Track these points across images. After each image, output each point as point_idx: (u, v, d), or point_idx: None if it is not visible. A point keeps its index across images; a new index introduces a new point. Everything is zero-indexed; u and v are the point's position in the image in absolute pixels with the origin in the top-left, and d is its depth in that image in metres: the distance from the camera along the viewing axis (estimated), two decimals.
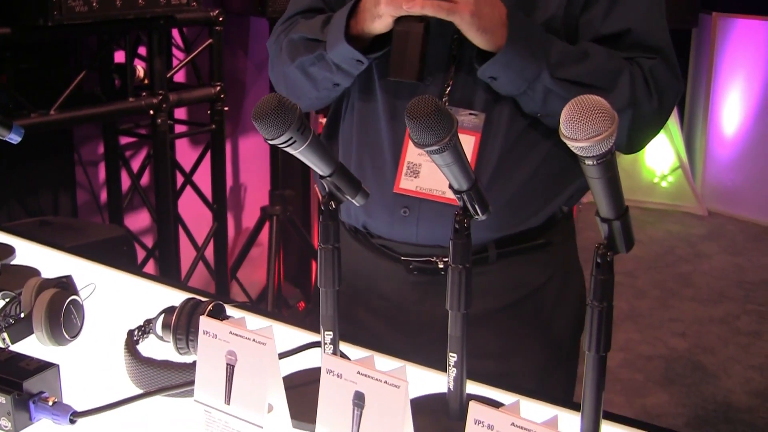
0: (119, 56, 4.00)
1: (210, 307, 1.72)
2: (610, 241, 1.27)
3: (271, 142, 1.40)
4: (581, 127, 1.13)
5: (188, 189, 4.47)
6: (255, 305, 4.92)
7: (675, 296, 5.73)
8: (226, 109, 4.22)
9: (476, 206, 1.43)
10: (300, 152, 1.42)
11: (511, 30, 1.73)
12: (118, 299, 2.06)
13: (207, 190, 4.40)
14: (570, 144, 1.15)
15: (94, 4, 3.32)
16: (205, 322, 1.45)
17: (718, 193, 7.46)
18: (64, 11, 3.22)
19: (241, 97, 4.91)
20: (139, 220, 4.55)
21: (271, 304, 4.59)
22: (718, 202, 7.41)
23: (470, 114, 1.86)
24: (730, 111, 7.34)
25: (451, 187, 1.44)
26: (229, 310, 1.82)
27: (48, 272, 2.12)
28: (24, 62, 3.63)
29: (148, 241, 4.54)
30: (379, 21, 1.76)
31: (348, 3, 1.84)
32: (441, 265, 1.94)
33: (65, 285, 1.84)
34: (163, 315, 1.75)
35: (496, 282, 1.97)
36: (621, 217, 1.25)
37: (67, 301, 1.78)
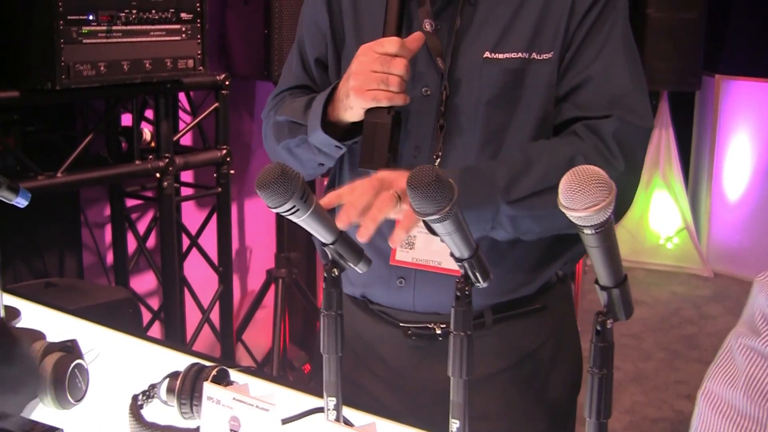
0: (126, 119, 4.02)
1: (214, 372, 1.72)
2: (609, 309, 1.28)
3: (274, 210, 1.41)
4: (579, 198, 1.14)
5: (194, 251, 4.46)
6: (260, 368, 4.92)
7: (681, 358, 5.70)
8: (232, 172, 4.23)
9: (477, 274, 1.43)
10: (303, 220, 1.43)
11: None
12: (122, 363, 2.06)
13: (212, 253, 4.39)
14: (568, 213, 1.16)
15: (102, 68, 3.34)
16: (208, 388, 1.45)
17: (723, 254, 7.43)
18: (72, 75, 3.25)
19: (246, 160, 4.93)
20: (144, 282, 4.54)
21: (276, 367, 4.57)
22: (724, 264, 7.38)
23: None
24: (735, 173, 7.35)
25: (452, 255, 1.44)
26: (234, 375, 1.82)
27: (53, 335, 2.06)
28: (31, 125, 3.64)
29: (154, 303, 4.52)
30: (350, 112, 1.80)
31: (326, 90, 1.87)
32: (438, 331, 1.95)
33: (70, 349, 1.84)
34: (167, 379, 1.75)
35: (492, 346, 1.97)
36: (620, 285, 1.26)
37: (72, 365, 1.77)
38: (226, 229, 4.34)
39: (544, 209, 1.78)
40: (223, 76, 4.08)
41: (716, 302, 6.78)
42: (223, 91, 4.10)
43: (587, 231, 1.18)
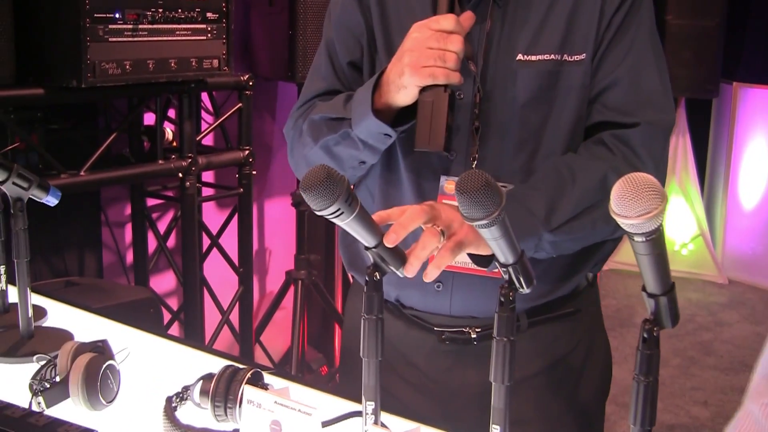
0: (149, 118, 4.02)
1: (248, 374, 1.71)
2: (656, 317, 1.28)
3: (318, 213, 1.41)
4: (632, 205, 1.14)
5: (214, 252, 4.44)
6: (280, 369, 4.88)
7: (696, 365, 5.68)
8: (254, 173, 4.21)
9: (521, 279, 1.43)
10: (347, 223, 1.44)
11: None
12: (152, 363, 2.06)
13: (233, 253, 4.38)
14: (620, 221, 1.16)
15: (128, 66, 3.33)
16: (249, 392, 1.45)
17: (738, 261, 7.42)
18: (98, 73, 3.24)
19: (268, 161, 4.92)
20: (164, 282, 4.54)
21: (294, 369, 4.55)
22: (739, 271, 7.38)
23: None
24: (751, 180, 7.35)
25: (496, 260, 1.44)
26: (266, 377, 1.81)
27: (80, 335, 2.12)
28: (54, 123, 3.63)
29: (173, 303, 4.52)
30: (404, 92, 1.75)
31: (371, 78, 1.84)
32: (473, 335, 1.95)
33: (101, 349, 1.84)
34: (201, 381, 1.74)
35: (527, 350, 1.95)
36: (668, 293, 1.26)
37: (104, 366, 1.77)
38: (247, 229, 4.32)
39: (583, 231, 1.80)
40: (247, 76, 4.05)
41: (731, 309, 6.76)
42: (247, 92, 4.08)
43: (638, 239, 1.17)
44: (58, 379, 1.80)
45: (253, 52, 4.52)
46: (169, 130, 4.07)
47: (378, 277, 1.54)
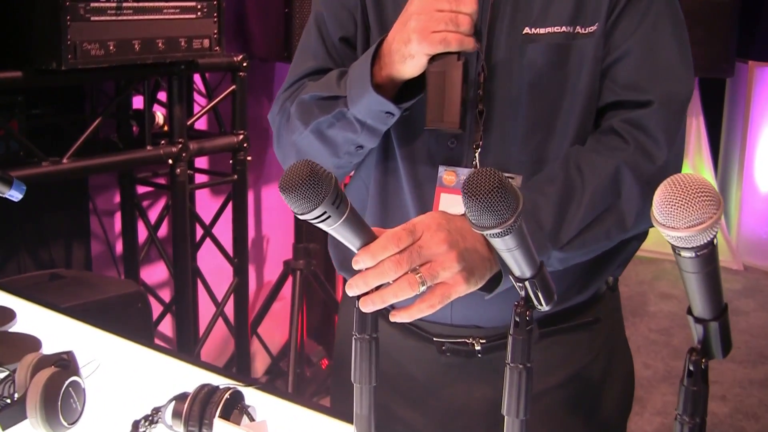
0: (137, 102, 3.86)
1: (227, 395, 1.55)
2: (704, 346, 1.08)
3: (301, 217, 1.22)
4: (681, 214, 0.93)
5: (208, 242, 4.30)
6: (275, 363, 4.81)
7: None
8: (249, 158, 4.06)
9: (540, 295, 1.26)
10: (334, 229, 1.26)
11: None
12: (124, 376, 1.89)
13: (227, 243, 4.24)
14: (665, 233, 0.95)
15: (111, 47, 3.17)
16: (220, 427, 1.26)
17: (753, 247, 7.31)
18: (79, 55, 3.07)
19: (264, 146, 4.77)
20: (155, 274, 4.39)
21: (293, 362, 4.41)
22: (754, 257, 7.26)
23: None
24: (767, 162, 7.22)
25: (510, 274, 1.26)
26: (249, 394, 1.62)
27: (48, 342, 1.98)
28: (36, 108, 3.49)
29: (165, 296, 4.38)
30: (410, 62, 1.55)
31: (368, 50, 1.64)
32: (478, 347, 1.77)
33: (65, 363, 1.66)
34: (173, 402, 1.57)
35: (539, 363, 1.75)
36: (720, 317, 1.05)
37: (67, 382, 1.60)
38: (242, 218, 4.17)
39: (596, 243, 1.63)
40: (241, 57, 3.90)
41: (747, 297, 6.64)
42: (241, 73, 3.93)
43: (686, 254, 0.97)
44: (16, 396, 1.63)
45: (248, 31, 4.34)
46: (159, 114, 3.92)
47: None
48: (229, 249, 4.24)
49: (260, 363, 4.83)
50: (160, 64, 3.46)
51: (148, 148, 3.63)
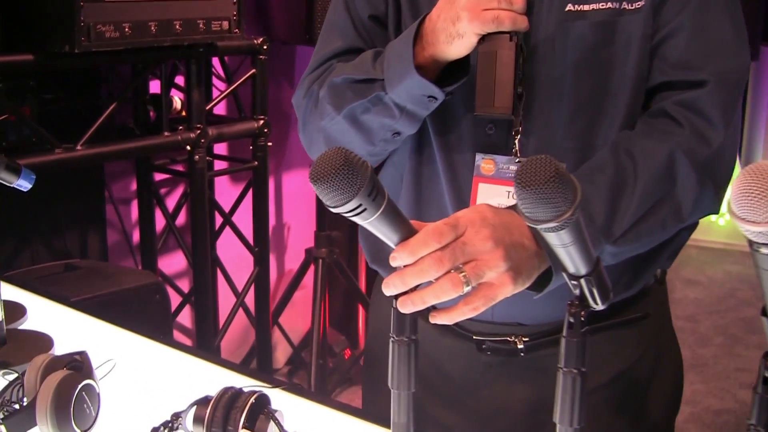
0: (154, 86, 3.77)
1: (252, 399, 1.45)
2: None
3: (334, 210, 1.12)
4: (764, 206, 0.84)
5: (227, 230, 4.21)
6: (297, 353, 4.75)
7: (740, 343, 5.48)
8: (269, 144, 3.97)
9: (596, 293, 1.15)
10: (370, 222, 1.15)
11: (547, 249, 1.41)
12: (142, 377, 1.79)
13: (247, 232, 4.15)
14: (744, 227, 0.88)
15: (127, 29, 3.07)
16: None
17: None
18: (93, 37, 2.98)
19: (285, 132, 4.68)
20: (173, 263, 4.30)
21: (315, 353, 4.33)
22: None
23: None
24: None
25: (564, 271, 1.16)
26: (275, 395, 1.52)
27: (62, 340, 1.88)
28: (49, 92, 3.38)
29: (184, 286, 4.30)
30: (458, 42, 1.45)
31: (408, 28, 1.53)
32: (520, 345, 1.67)
33: (78, 365, 1.56)
34: (194, 407, 1.47)
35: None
36: None
37: (80, 386, 1.50)
38: (263, 206, 4.08)
39: (651, 235, 1.52)
40: (261, 39, 3.80)
41: None
42: (261, 57, 3.83)
43: (766, 251, 0.88)
44: (25, 401, 1.53)
45: (268, 12, 4.23)
46: (177, 99, 3.82)
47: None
48: (249, 237, 4.16)
49: (281, 353, 4.77)
50: (177, 47, 3.36)
51: (166, 134, 3.55)
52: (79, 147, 3.21)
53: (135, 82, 3.61)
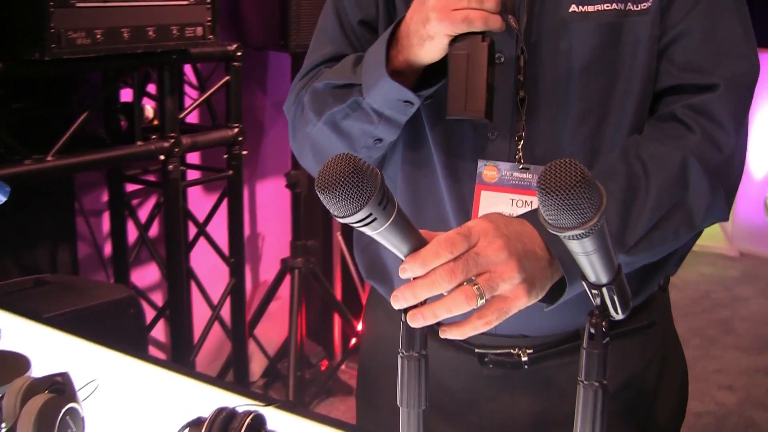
0: (125, 94, 3.69)
1: (248, 420, 1.39)
2: None
3: (342, 221, 1.05)
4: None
5: (201, 241, 4.15)
6: (273, 365, 4.69)
7: (717, 345, 5.50)
8: (244, 153, 3.91)
9: (617, 302, 1.11)
10: (379, 233, 1.09)
11: (560, 256, 1.36)
12: (127, 398, 1.72)
13: (221, 242, 4.10)
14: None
15: (99, 36, 3.01)
16: None
17: (749, 233, 7.27)
18: (64, 44, 2.91)
19: (259, 139, 4.62)
20: (147, 276, 4.23)
21: (293, 365, 4.29)
22: (750, 243, 7.22)
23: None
24: (761, 148, 7.12)
25: (584, 280, 1.11)
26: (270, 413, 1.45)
27: (39, 360, 1.80)
28: (18, 101, 3.32)
29: (158, 299, 4.23)
30: (429, 44, 1.40)
31: (384, 32, 1.48)
32: (524, 358, 1.63)
33: (60, 387, 1.49)
34: (187, 430, 1.42)
35: None
36: None
37: (63, 411, 1.43)
38: (238, 216, 4.03)
39: (664, 244, 1.48)
40: (235, 46, 3.75)
41: (746, 283, 6.64)
42: (235, 63, 3.78)
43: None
44: (4, 427, 1.46)
45: (242, 18, 4.20)
46: (149, 108, 3.75)
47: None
48: (224, 248, 4.11)
49: (257, 365, 4.72)
50: (151, 54, 3.30)
51: (139, 143, 3.47)
52: (49, 158, 3.13)
53: (107, 90, 3.54)
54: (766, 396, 4.85)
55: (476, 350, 1.64)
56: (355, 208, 1.02)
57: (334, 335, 4.93)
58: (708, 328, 5.77)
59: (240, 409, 1.42)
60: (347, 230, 4.79)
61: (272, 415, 1.55)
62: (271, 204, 4.78)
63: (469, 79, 1.39)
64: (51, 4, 2.87)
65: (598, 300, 1.11)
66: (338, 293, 4.81)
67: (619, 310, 1.13)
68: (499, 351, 1.64)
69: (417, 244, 1.16)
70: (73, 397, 1.48)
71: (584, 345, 1.11)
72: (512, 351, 1.63)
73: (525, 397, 1.66)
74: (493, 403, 1.68)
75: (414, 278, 1.21)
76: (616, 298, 1.11)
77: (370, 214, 1.03)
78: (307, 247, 4.40)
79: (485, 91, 1.39)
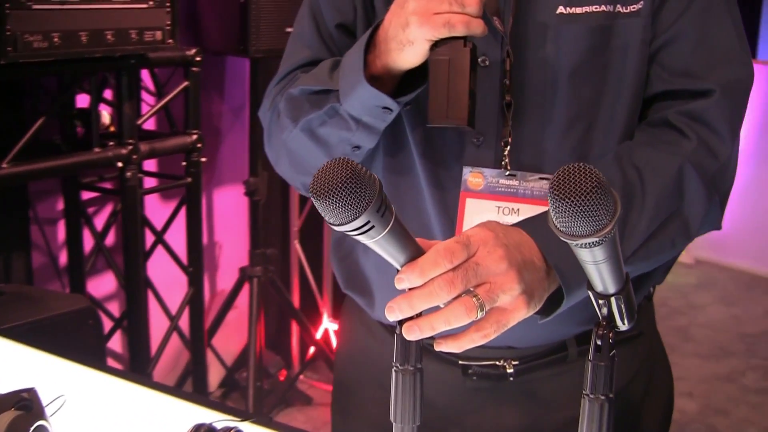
0: (81, 100, 3.62)
1: None
2: None
3: (338, 229, 1.00)
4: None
5: (159, 250, 4.07)
6: (231, 375, 4.62)
7: (676, 352, 5.53)
8: (203, 160, 3.84)
9: (625, 312, 1.09)
10: (376, 241, 1.04)
11: (557, 266, 1.33)
12: (96, 414, 1.66)
13: (179, 251, 4.02)
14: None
15: (56, 39, 2.93)
16: None
17: (704, 240, 7.19)
18: (20, 47, 2.84)
19: (216, 146, 4.56)
20: (103, 286, 4.15)
21: (252, 375, 4.22)
22: (705, 250, 7.24)
23: (540, 179, 1.48)
24: None
25: (590, 289, 1.08)
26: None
27: (2, 376, 1.74)
28: None
29: (114, 309, 4.15)
30: (409, 49, 1.35)
31: (362, 37, 1.43)
32: (510, 369, 1.60)
33: (28, 404, 1.42)
34: None
35: (578, 383, 1.58)
36: None
37: (32, 428, 1.38)
38: (197, 224, 3.95)
39: (661, 253, 1.45)
40: (194, 51, 3.68)
41: (703, 290, 6.70)
42: (194, 68, 3.71)
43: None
44: None
45: (200, 22, 4.14)
46: (105, 114, 3.65)
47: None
48: (182, 257, 4.03)
49: (214, 375, 4.65)
50: (109, 58, 3.23)
51: (96, 150, 3.39)
52: (4, 165, 3.05)
53: (63, 95, 3.46)
54: (726, 403, 4.88)
55: (460, 362, 1.61)
56: (352, 215, 0.98)
57: (292, 345, 4.88)
58: (666, 336, 5.69)
59: (218, 425, 1.37)
60: (305, 238, 4.74)
61: (249, 430, 1.51)
62: (228, 212, 4.72)
63: (451, 86, 1.35)
64: (6, 6, 2.80)
65: (605, 310, 1.09)
66: (296, 302, 4.76)
67: (626, 319, 1.10)
68: (484, 363, 1.60)
69: (414, 253, 1.12)
70: (41, 414, 1.42)
71: (590, 357, 1.09)
72: (497, 363, 1.60)
73: (510, 410, 1.63)
74: (476, 417, 1.65)
75: (410, 289, 1.16)
76: (623, 306, 1.08)
77: (368, 222, 0.99)
78: (267, 255, 4.35)
79: (467, 97, 1.35)
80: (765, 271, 6.99)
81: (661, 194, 1.42)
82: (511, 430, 1.63)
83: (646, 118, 1.53)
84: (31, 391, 1.45)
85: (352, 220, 0.98)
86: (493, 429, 1.64)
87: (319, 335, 4.70)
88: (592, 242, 0.93)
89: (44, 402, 1.47)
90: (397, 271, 1.15)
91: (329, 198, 0.96)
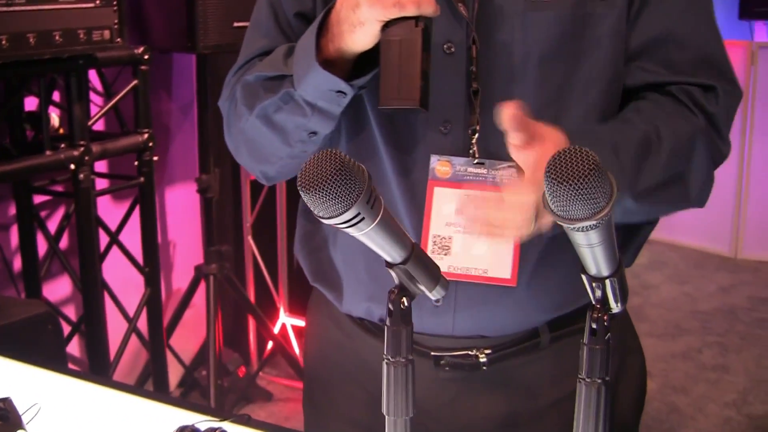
0: (29, 103, 3.55)
1: None
2: None
3: (327, 222, 0.99)
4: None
5: (114, 251, 4.01)
6: (190, 374, 4.56)
7: None
8: (155, 159, 3.78)
9: (618, 294, 1.10)
10: (365, 234, 1.02)
11: None
12: (73, 420, 1.63)
13: (134, 251, 3.96)
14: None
15: (4, 42, 2.87)
16: None
17: None
18: None
19: (166, 144, 4.49)
20: (59, 290, 4.08)
21: (213, 373, 4.18)
22: (655, 230, 7.11)
23: (509, 167, 1.47)
24: None
25: (584, 272, 1.08)
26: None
27: None
28: None
29: (71, 313, 4.08)
30: (360, 31, 1.34)
31: (315, 20, 1.42)
32: (483, 359, 1.58)
33: (4, 414, 1.42)
34: None
35: (551, 370, 1.63)
36: None
37: None
38: (152, 224, 3.89)
39: (660, 204, 1.47)
40: (142, 49, 3.62)
41: (654, 270, 6.69)
42: (143, 67, 3.66)
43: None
44: None
45: (145, 20, 4.05)
46: (54, 116, 3.60)
47: (406, 305, 1.14)
48: (137, 256, 3.98)
49: (172, 375, 4.58)
50: (57, 60, 3.17)
51: (48, 153, 3.33)
52: None
53: (11, 99, 3.39)
54: (684, 380, 4.90)
55: (432, 353, 1.59)
56: (342, 208, 0.97)
57: (249, 341, 4.84)
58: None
59: (201, 426, 1.36)
60: (258, 234, 4.70)
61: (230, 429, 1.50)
62: (180, 210, 4.67)
63: (403, 67, 1.33)
64: None
65: (599, 293, 1.09)
66: (252, 296, 4.73)
67: (619, 301, 1.11)
68: (456, 353, 1.58)
69: (403, 241, 1.10)
70: (18, 424, 1.42)
71: (585, 341, 1.08)
72: (470, 352, 1.58)
73: (486, 399, 1.62)
74: (450, 408, 1.63)
75: None
76: (617, 290, 1.09)
77: (358, 214, 0.98)
78: (221, 252, 4.31)
79: (420, 78, 1.33)
80: (714, 248, 7.03)
81: (674, 148, 1.42)
82: (489, 419, 1.62)
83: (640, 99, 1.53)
84: (6, 401, 1.44)
85: (342, 213, 0.97)
86: (470, 419, 1.62)
87: (276, 330, 4.67)
88: (589, 225, 0.93)
89: (20, 411, 1.45)
90: (388, 264, 1.13)
91: (318, 191, 0.95)
